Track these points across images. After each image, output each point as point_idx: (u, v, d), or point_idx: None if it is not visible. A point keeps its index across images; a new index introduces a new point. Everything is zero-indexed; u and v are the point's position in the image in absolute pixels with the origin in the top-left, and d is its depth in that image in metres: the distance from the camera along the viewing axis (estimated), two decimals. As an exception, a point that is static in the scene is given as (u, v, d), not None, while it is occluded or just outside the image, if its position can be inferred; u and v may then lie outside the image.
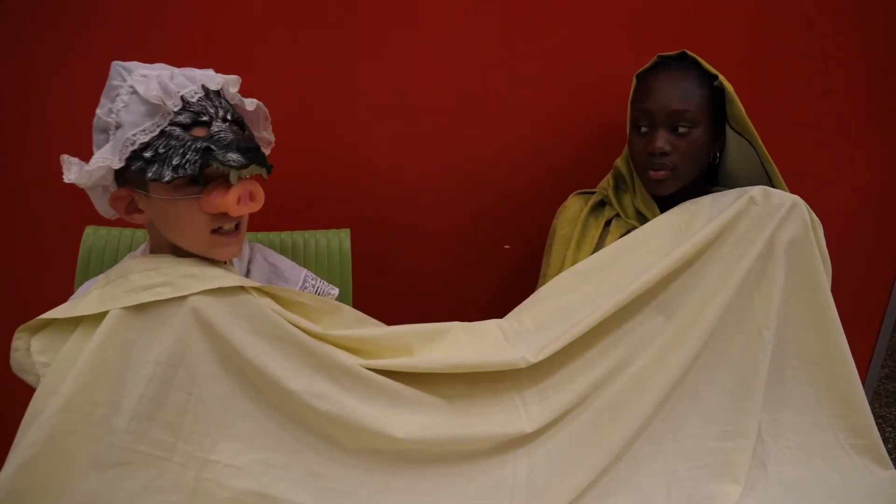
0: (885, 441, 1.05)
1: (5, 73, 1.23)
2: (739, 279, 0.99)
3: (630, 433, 0.96)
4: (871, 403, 1.05)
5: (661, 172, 1.09)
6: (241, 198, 0.85)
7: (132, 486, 0.80)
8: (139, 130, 0.81)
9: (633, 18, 1.34)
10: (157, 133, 0.82)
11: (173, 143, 0.81)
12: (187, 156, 0.81)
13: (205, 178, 0.85)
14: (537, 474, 0.93)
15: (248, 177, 0.86)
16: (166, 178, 0.81)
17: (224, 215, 0.87)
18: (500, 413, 0.95)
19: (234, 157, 0.82)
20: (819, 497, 0.99)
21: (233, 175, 0.85)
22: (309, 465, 0.88)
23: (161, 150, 0.81)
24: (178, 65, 0.89)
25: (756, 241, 1.00)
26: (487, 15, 1.30)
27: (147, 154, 0.81)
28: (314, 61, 1.29)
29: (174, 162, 0.81)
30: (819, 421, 1.03)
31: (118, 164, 0.82)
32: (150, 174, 0.81)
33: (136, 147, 0.81)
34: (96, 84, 0.85)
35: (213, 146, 0.82)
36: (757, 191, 1.02)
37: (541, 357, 0.94)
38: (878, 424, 1.03)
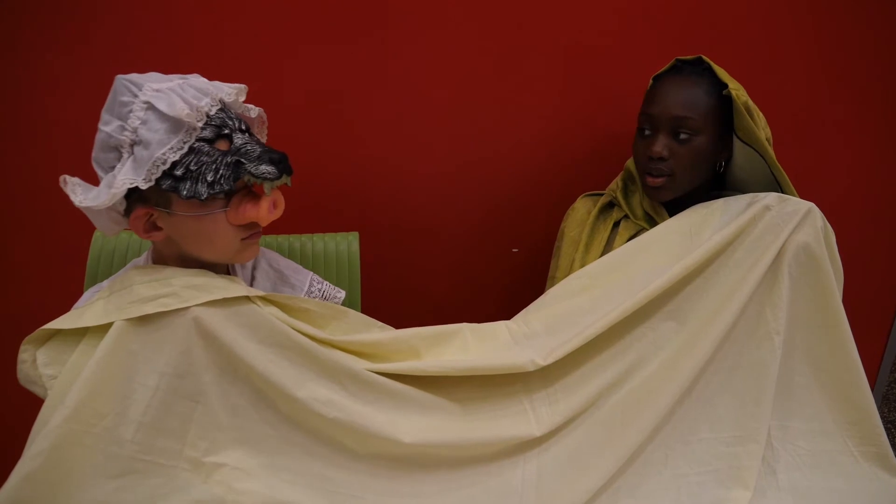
0: (895, 446, 1.04)
1: (11, 76, 1.23)
2: (753, 285, 0.98)
3: (641, 437, 0.95)
4: (880, 408, 1.04)
5: (659, 179, 1.08)
6: (269, 207, 0.86)
7: (139, 494, 0.80)
8: (168, 149, 0.79)
9: (639, 21, 1.33)
10: (185, 150, 0.80)
11: (204, 159, 0.81)
12: (220, 171, 0.81)
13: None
14: (546, 478, 0.92)
15: (277, 186, 0.87)
16: (203, 196, 0.80)
17: (252, 224, 0.88)
18: (508, 416, 0.94)
19: (268, 169, 0.83)
20: (828, 504, 0.98)
21: (267, 187, 0.85)
22: (317, 469, 0.88)
23: (193, 168, 0.80)
24: (183, 68, 0.89)
25: (770, 247, 0.99)
26: (497, 18, 1.30)
27: (178, 172, 0.80)
28: (322, 63, 1.28)
29: (209, 178, 0.81)
30: (828, 428, 1.03)
31: (146, 185, 0.79)
32: (184, 192, 0.80)
33: (167, 166, 0.80)
34: (102, 86, 0.84)
35: (242, 159, 0.83)
36: (772, 197, 1.02)
37: (550, 360, 0.93)
38: (887, 429, 1.03)
